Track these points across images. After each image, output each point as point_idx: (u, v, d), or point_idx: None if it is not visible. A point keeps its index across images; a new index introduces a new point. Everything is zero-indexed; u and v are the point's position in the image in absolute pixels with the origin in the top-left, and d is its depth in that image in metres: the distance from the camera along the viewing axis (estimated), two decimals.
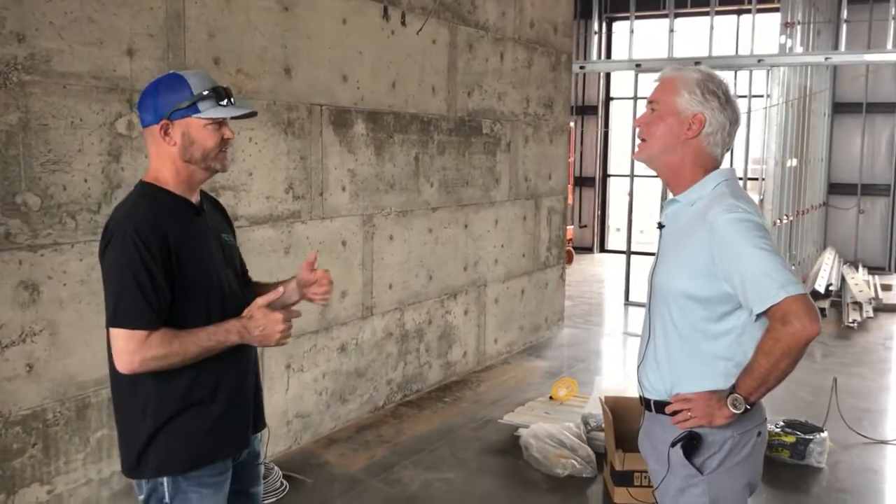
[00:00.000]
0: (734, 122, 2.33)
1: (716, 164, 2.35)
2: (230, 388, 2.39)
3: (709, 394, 2.23)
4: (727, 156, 2.48)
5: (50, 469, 3.61)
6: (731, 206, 2.19)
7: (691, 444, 2.25)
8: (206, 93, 2.29)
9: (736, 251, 2.14)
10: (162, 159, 2.33)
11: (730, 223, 2.16)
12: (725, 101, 2.30)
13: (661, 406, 2.33)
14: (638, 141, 2.41)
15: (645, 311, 2.45)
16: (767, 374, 2.13)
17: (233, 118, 2.37)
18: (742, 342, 2.23)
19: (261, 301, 2.36)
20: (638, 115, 2.42)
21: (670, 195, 2.41)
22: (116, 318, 2.21)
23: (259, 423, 2.58)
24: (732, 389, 2.19)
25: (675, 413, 2.27)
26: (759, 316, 2.14)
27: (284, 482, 4.41)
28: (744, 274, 2.12)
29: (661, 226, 2.43)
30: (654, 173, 2.44)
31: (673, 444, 2.27)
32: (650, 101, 2.36)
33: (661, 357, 2.34)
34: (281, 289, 2.46)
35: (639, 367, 2.44)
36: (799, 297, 2.07)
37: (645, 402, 2.42)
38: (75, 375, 3.66)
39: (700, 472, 2.26)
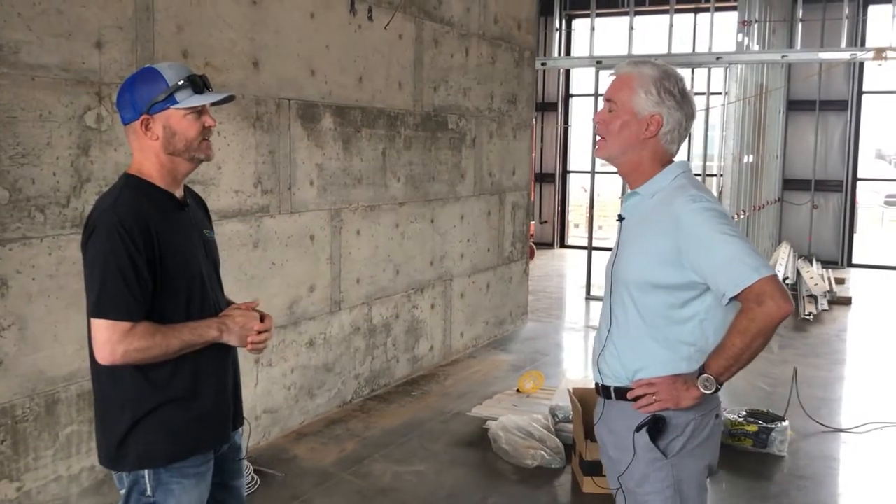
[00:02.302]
0: (690, 118, 2.38)
1: (672, 159, 2.41)
2: (211, 382, 2.40)
3: (672, 377, 2.28)
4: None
5: (19, 465, 3.56)
6: (695, 196, 2.26)
7: (656, 428, 2.30)
8: (181, 82, 2.29)
9: (704, 240, 2.20)
10: (145, 154, 2.32)
11: (695, 213, 2.22)
12: (681, 98, 2.34)
13: (621, 392, 2.37)
14: (598, 138, 2.44)
15: (605, 301, 2.47)
16: (740, 354, 2.19)
17: (211, 104, 2.37)
18: (704, 327, 2.29)
19: (237, 304, 2.45)
20: (597, 112, 2.45)
21: (628, 188, 2.46)
22: (100, 308, 2.19)
23: (238, 418, 2.59)
24: (702, 371, 2.25)
25: (637, 398, 2.31)
26: (731, 299, 2.19)
27: (255, 477, 4.41)
28: (714, 261, 2.18)
29: (620, 218, 2.47)
30: (614, 170, 2.49)
31: (638, 429, 2.31)
32: (608, 100, 2.39)
33: (623, 344, 2.37)
34: (259, 300, 2.52)
35: (597, 356, 2.46)
36: (771, 278, 2.14)
37: (604, 390, 2.44)
38: (44, 370, 3.62)
39: (664, 455, 2.31)
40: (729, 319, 2.25)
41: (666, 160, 2.38)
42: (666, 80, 2.32)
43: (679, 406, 2.27)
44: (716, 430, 2.40)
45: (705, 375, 2.24)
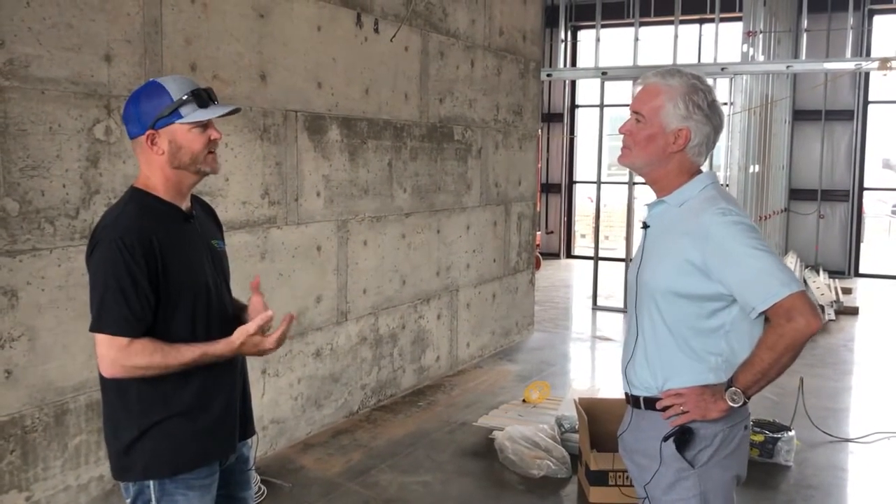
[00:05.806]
0: (718, 130, 2.36)
1: (699, 169, 2.40)
2: (218, 395, 2.41)
3: (701, 388, 2.27)
4: None
5: (28, 475, 3.59)
6: (725, 210, 2.24)
7: (683, 439, 2.29)
8: (185, 97, 2.29)
9: (733, 254, 2.19)
10: (152, 167, 2.35)
11: (725, 226, 2.22)
12: (710, 111, 2.31)
13: (650, 403, 2.36)
14: (621, 145, 2.42)
15: (630, 310, 2.47)
16: (769, 369, 2.19)
17: (216, 117, 2.37)
18: (730, 339, 2.29)
19: (251, 328, 2.32)
20: (622, 123, 2.41)
21: (653, 197, 2.45)
22: (99, 323, 2.22)
23: (248, 429, 2.60)
24: (730, 383, 2.24)
25: (665, 408, 2.31)
26: (760, 314, 2.18)
27: (262, 487, 4.42)
28: (743, 275, 2.17)
29: (645, 226, 2.46)
30: (621, 181, 2.50)
31: (665, 439, 2.30)
32: (634, 111, 2.36)
33: (652, 354, 2.36)
34: (270, 312, 2.36)
35: (626, 365, 2.46)
36: (801, 293, 2.14)
37: (633, 400, 2.44)
38: (54, 381, 3.65)
39: (692, 465, 2.31)
40: (755, 331, 2.25)
41: (693, 171, 2.37)
42: (695, 93, 2.29)
43: (706, 418, 2.27)
44: (744, 441, 2.40)
45: (733, 388, 2.23)
